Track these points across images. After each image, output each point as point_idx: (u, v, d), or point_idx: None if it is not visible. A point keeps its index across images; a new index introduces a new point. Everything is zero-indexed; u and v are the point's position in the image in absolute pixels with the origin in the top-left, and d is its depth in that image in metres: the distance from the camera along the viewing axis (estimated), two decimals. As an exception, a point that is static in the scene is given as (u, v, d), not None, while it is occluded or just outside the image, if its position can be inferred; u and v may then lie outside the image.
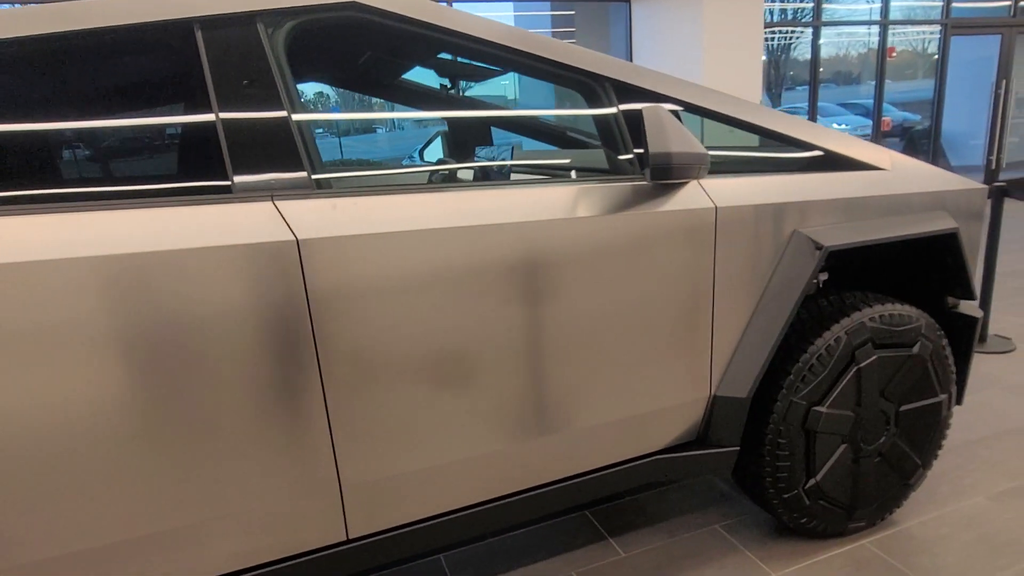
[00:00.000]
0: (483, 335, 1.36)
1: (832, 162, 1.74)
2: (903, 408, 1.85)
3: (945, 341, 1.86)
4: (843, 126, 10.42)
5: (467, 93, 1.73)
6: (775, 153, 1.71)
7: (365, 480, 1.35)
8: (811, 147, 1.72)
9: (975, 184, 1.91)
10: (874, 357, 1.75)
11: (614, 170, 1.55)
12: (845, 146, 1.77)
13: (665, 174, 1.34)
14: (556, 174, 1.76)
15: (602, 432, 1.58)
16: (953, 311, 2.03)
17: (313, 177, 1.26)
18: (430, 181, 1.49)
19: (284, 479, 1.28)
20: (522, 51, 1.44)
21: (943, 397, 1.90)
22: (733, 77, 6.05)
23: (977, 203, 1.91)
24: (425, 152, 2.00)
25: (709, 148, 1.64)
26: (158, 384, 1.13)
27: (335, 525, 1.37)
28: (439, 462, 1.40)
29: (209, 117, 1.20)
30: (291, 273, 1.19)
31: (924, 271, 2.02)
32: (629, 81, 1.53)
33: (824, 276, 1.94)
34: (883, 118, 7.51)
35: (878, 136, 7.39)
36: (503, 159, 1.72)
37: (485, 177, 1.71)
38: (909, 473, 1.93)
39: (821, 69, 6.96)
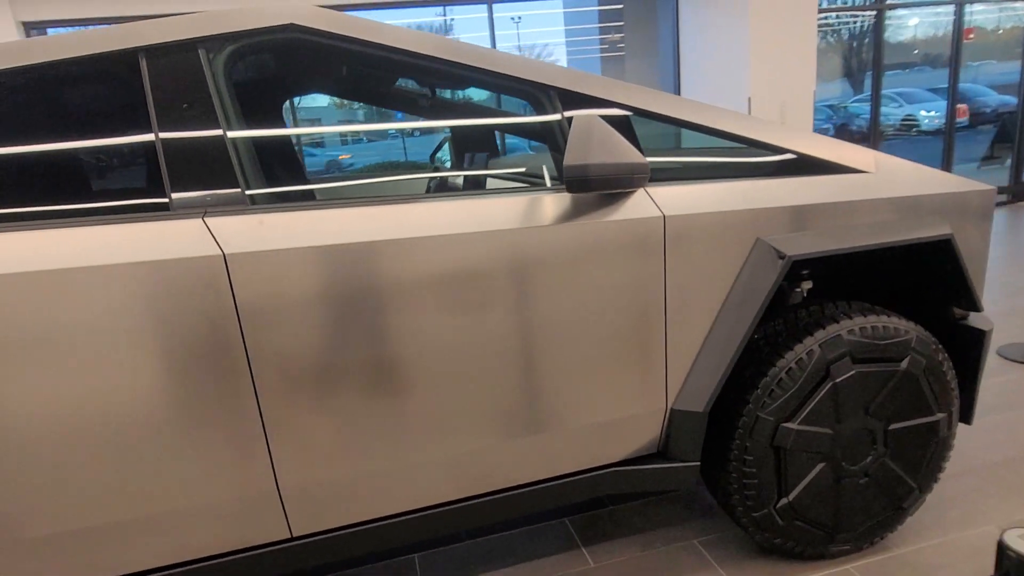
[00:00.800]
0: (412, 346, 1.38)
1: (806, 166, 1.65)
2: (892, 427, 1.73)
3: (943, 356, 1.73)
4: (932, 112, 9.71)
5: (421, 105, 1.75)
6: (742, 158, 1.63)
7: (303, 482, 1.41)
8: (782, 151, 1.64)
9: (980, 185, 1.75)
10: (852, 372, 1.65)
11: (560, 179, 1.53)
12: (821, 149, 1.67)
13: (582, 186, 1.31)
14: (504, 183, 1.76)
15: (551, 443, 1.57)
16: (960, 323, 1.88)
17: (247, 193, 1.33)
18: (375, 193, 1.53)
19: (225, 480, 1.35)
20: (460, 63, 1.45)
21: (941, 416, 1.76)
22: (783, 66, 5.77)
23: (981, 206, 1.75)
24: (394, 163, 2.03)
25: (666, 155, 1.60)
26: (103, 389, 1.23)
27: (277, 524, 1.44)
28: (378, 467, 1.44)
29: (149, 138, 1.29)
30: (220, 286, 1.26)
31: (926, 282, 1.88)
32: (574, 89, 1.51)
33: (808, 285, 1.84)
34: (965, 104, 6.92)
35: (951, 124, 6.84)
36: (453, 168, 1.73)
37: (439, 188, 1.72)
38: (902, 496, 1.81)
39: (915, 51, 6.47)
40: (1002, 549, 1.28)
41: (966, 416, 1.95)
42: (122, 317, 1.21)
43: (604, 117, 1.53)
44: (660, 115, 1.57)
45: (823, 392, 1.65)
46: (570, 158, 1.27)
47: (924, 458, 1.79)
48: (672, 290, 1.54)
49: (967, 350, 1.87)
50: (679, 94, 6.96)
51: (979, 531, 1.91)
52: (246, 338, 1.29)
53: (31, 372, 1.18)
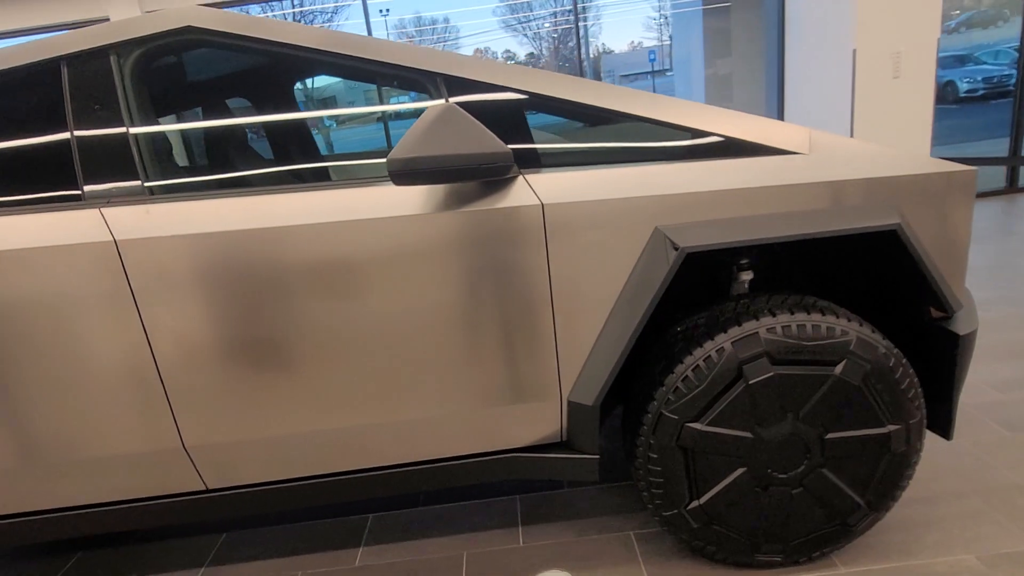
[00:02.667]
0: (288, 326, 1.48)
1: (727, 148, 1.49)
2: (830, 436, 1.57)
3: (897, 362, 1.52)
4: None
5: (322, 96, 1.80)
6: (649, 142, 1.51)
7: (204, 443, 1.58)
8: (700, 133, 1.50)
9: (950, 166, 1.49)
10: (770, 374, 1.51)
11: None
12: (745, 129, 1.50)
13: (406, 179, 1.30)
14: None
15: (444, 424, 1.61)
16: (931, 325, 1.63)
17: (146, 185, 1.48)
18: (264, 183, 1.60)
19: (139, 436, 1.56)
20: (345, 55, 1.48)
21: (893, 429, 1.56)
22: (899, 8, 5.04)
23: (953, 191, 1.49)
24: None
25: (568, 141, 1.54)
26: (20, 359, 1.46)
27: (192, 477, 1.63)
28: (272, 435, 1.58)
29: (66, 136, 1.48)
30: (115, 267, 1.43)
31: (891, 278, 1.64)
32: (458, 74, 1.49)
33: (747, 276, 1.69)
34: None
35: None
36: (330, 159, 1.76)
37: (318, 178, 1.74)
38: (845, 512, 1.64)
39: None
40: None
41: (944, 430, 1.71)
42: (44, 293, 1.43)
43: (492, 103, 1.50)
44: (557, 99, 1.50)
45: (736, 393, 1.53)
46: (396, 151, 1.27)
47: (874, 473, 1.61)
48: (558, 280, 1.49)
49: (941, 356, 1.62)
50: (782, 48, 6.35)
51: (954, 560, 1.68)
52: (142, 314, 1.46)
53: (-27, 336, 1.44)
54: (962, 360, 1.60)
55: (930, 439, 2.21)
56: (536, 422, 1.64)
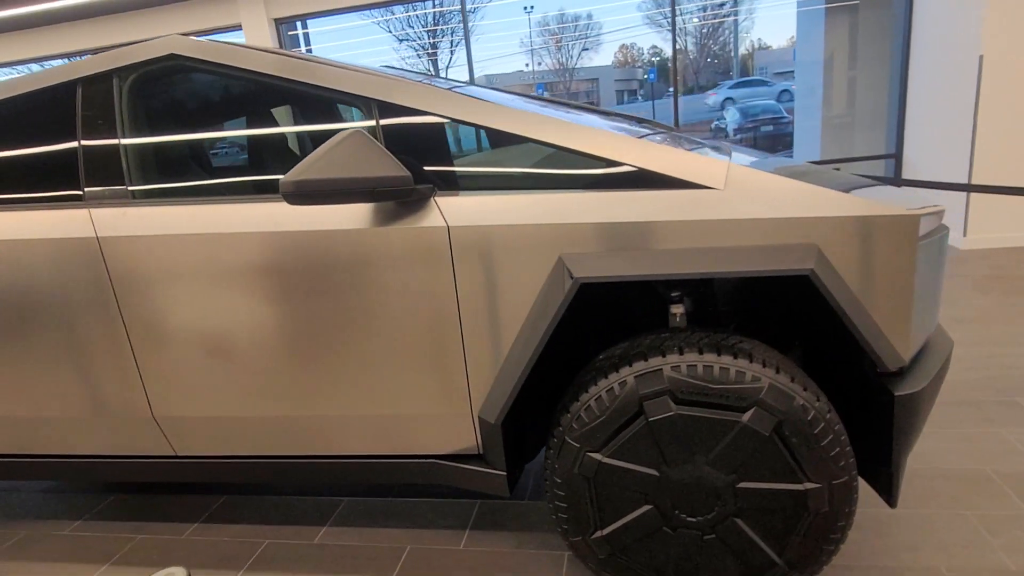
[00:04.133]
0: (232, 320, 1.66)
1: (640, 179, 1.46)
2: (742, 486, 1.49)
3: (815, 416, 1.41)
4: None
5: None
6: (562, 169, 1.51)
7: (170, 414, 1.82)
8: (613, 163, 1.48)
9: (888, 209, 1.34)
10: (671, 413, 1.46)
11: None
12: (658, 161, 1.45)
13: (296, 200, 1.40)
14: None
15: (366, 424, 1.72)
16: (871, 380, 1.49)
17: (129, 189, 1.73)
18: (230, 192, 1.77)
19: (118, 405, 1.83)
20: (289, 79, 1.63)
21: (810, 487, 1.45)
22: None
23: (889, 237, 1.34)
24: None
25: (482, 165, 1.58)
26: (24, 331, 1.77)
27: (160, 442, 1.88)
28: (218, 414, 1.78)
29: (74, 145, 1.76)
30: (97, 259, 1.69)
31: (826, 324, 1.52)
32: (387, 100, 1.58)
33: (678, 310, 1.63)
34: None
35: None
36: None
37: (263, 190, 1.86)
38: (760, 568, 1.54)
39: None
40: None
41: (890, 498, 1.55)
42: (44, 277, 1.73)
43: (414, 126, 1.57)
44: (477, 125, 1.54)
45: (635, 429, 1.50)
46: (288, 174, 1.39)
47: (792, 531, 1.50)
48: (465, 300, 1.55)
49: (880, 414, 1.48)
50: (907, 51, 5.76)
51: (888, 639, 1.53)
52: (119, 299, 1.72)
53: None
54: (902, 422, 1.44)
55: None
56: (452, 433, 1.70)
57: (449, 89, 1.60)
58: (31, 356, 1.83)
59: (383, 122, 1.59)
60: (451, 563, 1.94)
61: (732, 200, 1.40)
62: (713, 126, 17.07)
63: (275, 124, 1.83)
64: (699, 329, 1.58)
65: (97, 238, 1.69)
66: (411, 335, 1.60)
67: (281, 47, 6.87)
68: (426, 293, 1.56)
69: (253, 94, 1.72)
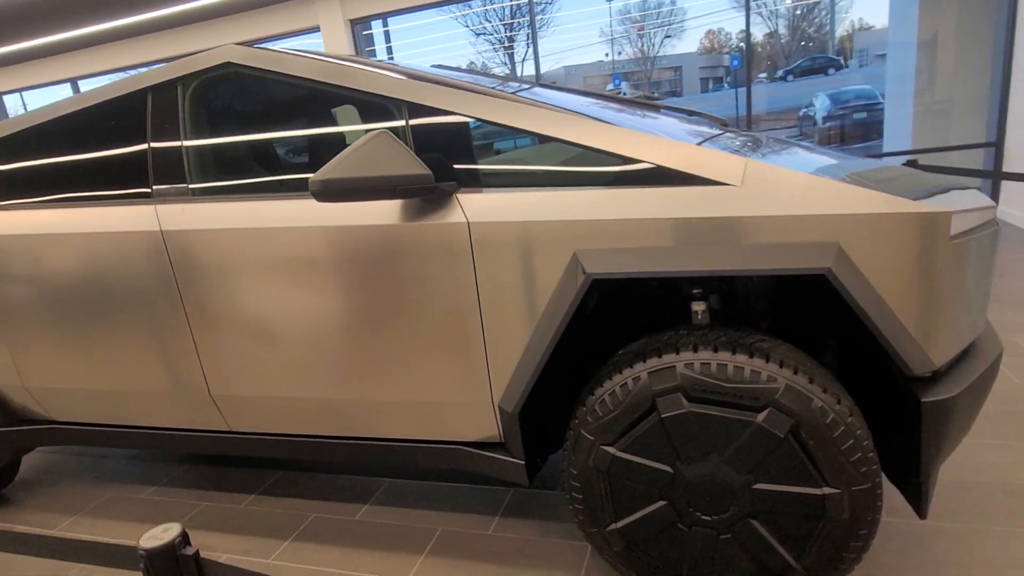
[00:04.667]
0: (276, 308, 1.80)
1: (657, 176, 1.45)
2: (758, 487, 1.47)
3: (833, 419, 1.37)
4: None
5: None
6: (581, 167, 1.52)
7: (224, 392, 1.98)
8: (630, 160, 1.48)
9: (916, 207, 1.28)
10: (684, 410, 1.46)
11: None
12: (675, 158, 1.44)
13: (325, 197, 1.47)
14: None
15: (397, 409, 1.82)
16: (904, 383, 1.42)
17: (190, 187, 1.89)
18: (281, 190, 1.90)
19: (179, 381, 2.01)
20: (331, 83, 1.73)
21: (828, 492, 1.41)
22: None
23: (917, 234, 1.28)
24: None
25: (505, 163, 1.62)
26: (111, 312, 1.98)
27: (216, 418, 2.05)
28: (265, 394, 1.93)
29: (145, 147, 1.94)
30: (161, 250, 1.87)
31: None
32: (417, 101, 1.64)
33: (700, 307, 1.61)
34: None
35: None
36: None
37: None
38: (776, 571, 1.52)
39: None
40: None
41: (921, 510, 1.48)
42: (121, 267, 1.93)
43: (441, 124, 1.64)
44: (499, 124, 1.59)
45: (648, 424, 1.50)
46: (318, 173, 1.47)
47: (810, 536, 1.46)
48: (485, 293, 1.60)
49: (909, 422, 1.41)
50: (1012, 38, 5.30)
51: (914, 655, 1.47)
52: (180, 287, 1.89)
53: (71, 292, 1.99)
54: (931, 429, 1.37)
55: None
56: (475, 421, 1.76)
57: (491, 89, 1.65)
58: (110, 337, 2.04)
59: (412, 122, 1.66)
60: (478, 547, 2.01)
61: (749, 197, 1.37)
62: (801, 114, 16.25)
63: (318, 125, 1.94)
64: (720, 327, 1.56)
65: (161, 232, 1.86)
66: (436, 326, 1.67)
67: (356, 48, 7.15)
68: (449, 286, 1.63)
69: (298, 97, 1.84)
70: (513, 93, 1.71)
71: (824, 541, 1.46)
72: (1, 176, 2.17)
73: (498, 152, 1.70)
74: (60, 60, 8.32)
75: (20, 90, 9.12)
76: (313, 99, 1.84)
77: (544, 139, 1.55)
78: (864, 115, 14.10)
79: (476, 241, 1.57)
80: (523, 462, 1.71)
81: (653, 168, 1.46)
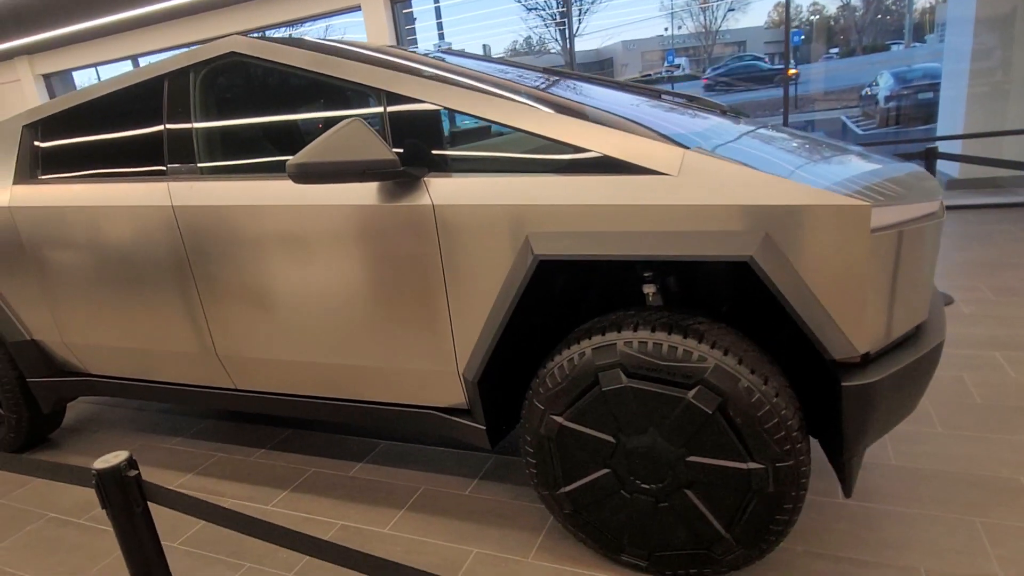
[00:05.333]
0: (266, 278, 1.98)
1: (603, 165, 1.54)
2: (691, 459, 1.56)
3: (759, 398, 1.45)
4: None
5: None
6: (537, 155, 1.62)
7: (228, 354, 2.19)
8: (579, 149, 1.57)
9: (836, 199, 1.33)
10: (623, 385, 1.56)
11: None
12: (619, 147, 1.52)
13: (300, 179, 1.62)
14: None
15: (377, 373, 1.98)
16: (830, 367, 1.48)
17: (199, 166, 2.08)
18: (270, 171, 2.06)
19: (190, 342, 2.23)
20: (316, 72, 1.87)
21: (753, 467, 1.50)
22: None
23: (838, 225, 1.33)
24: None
25: (470, 149, 1.74)
26: (110, 275, 2.21)
27: (223, 376, 2.27)
28: (261, 356, 2.12)
29: (159, 129, 2.14)
30: (173, 224, 2.07)
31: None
32: (394, 90, 1.77)
33: (651, 289, 1.70)
34: None
35: None
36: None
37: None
38: (708, 540, 1.61)
39: None
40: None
41: (846, 489, 1.55)
42: (141, 238, 2.14)
43: (414, 112, 1.76)
44: (465, 113, 1.70)
45: (591, 397, 1.62)
46: (294, 157, 1.62)
47: (738, 508, 1.56)
48: (449, 271, 1.73)
49: (832, 404, 1.48)
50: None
51: (835, 625, 1.55)
52: (189, 257, 2.09)
53: (102, 255, 2.23)
54: (851, 412, 1.44)
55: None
56: (444, 389, 1.91)
57: (465, 80, 1.75)
58: (133, 300, 2.28)
59: (389, 110, 1.79)
60: (454, 505, 2.17)
61: (684, 186, 1.45)
62: (863, 93, 15.55)
63: (312, 110, 2.08)
64: (666, 309, 1.65)
65: (172, 207, 2.06)
66: (408, 300, 1.82)
67: (396, 26, 7.29)
68: (418, 263, 1.76)
69: (293, 84, 1.99)
70: (511, 81, 1.82)
71: (752, 514, 1.55)
72: (42, 153, 2.42)
73: (470, 139, 1.82)
74: (122, 38, 8.78)
75: (88, 66, 9.68)
76: (307, 86, 1.99)
77: (507, 128, 1.66)
78: (930, 95, 13.37)
79: (440, 222, 1.70)
80: (484, 428, 1.85)
81: (600, 157, 1.55)
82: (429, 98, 1.73)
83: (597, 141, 1.55)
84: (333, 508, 2.24)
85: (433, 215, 1.70)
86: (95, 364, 2.58)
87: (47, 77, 10.00)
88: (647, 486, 1.64)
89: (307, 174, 1.62)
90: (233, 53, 2.01)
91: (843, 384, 1.42)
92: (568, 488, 1.74)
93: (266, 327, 2.07)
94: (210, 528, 2.21)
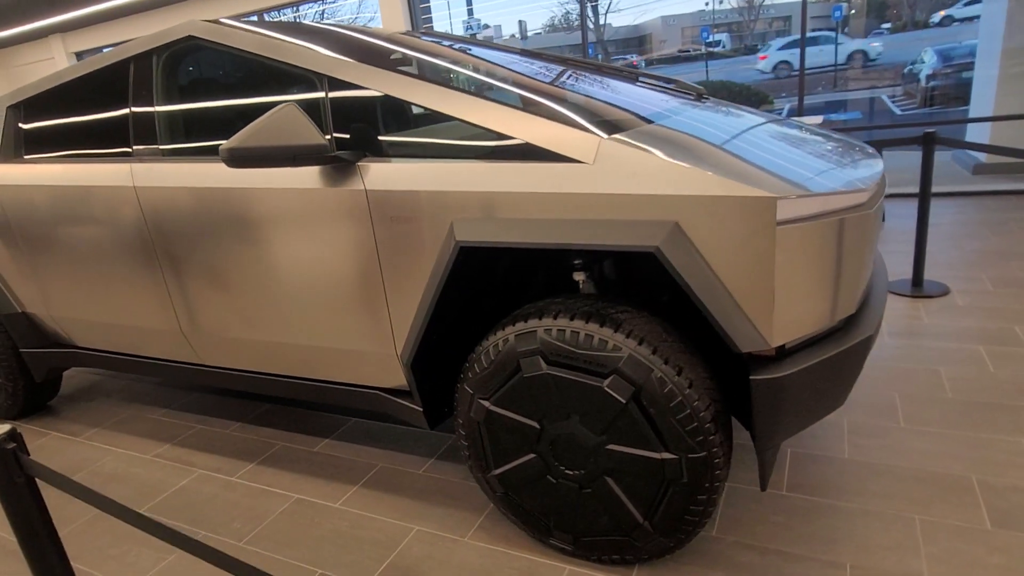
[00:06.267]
0: (212, 259, 2.04)
1: (524, 152, 1.54)
2: (610, 447, 1.58)
3: (671, 389, 1.45)
4: None
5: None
6: (464, 140, 1.62)
7: (191, 331, 2.27)
8: (502, 136, 1.57)
9: (743, 190, 1.30)
10: (543, 372, 1.57)
11: None
12: (539, 135, 1.51)
13: (232, 163, 1.64)
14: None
15: (321, 353, 2.03)
16: (744, 360, 1.47)
17: (160, 148, 2.14)
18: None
19: (156, 318, 2.31)
20: (265, 56, 1.89)
21: (666, 457, 1.50)
22: None
23: (745, 217, 1.31)
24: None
25: (407, 135, 1.75)
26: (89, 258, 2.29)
27: (190, 352, 2.35)
28: (217, 333, 2.19)
29: (126, 111, 2.20)
30: (136, 204, 2.14)
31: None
32: (335, 76, 1.78)
33: (580, 277, 1.70)
34: None
35: None
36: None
37: None
38: (627, 527, 1.63)
39: None
40: None
41: (762, 482, 1.54)
42: (108, 216, 2.22)
43: (352, 98, 1.77)
44: (397, 98, 1.70)
45: (514, 383, 1.63)
46: (227, 141, 1.65)
47: (655, 497, 1.56)
48: (384, 255, 1.76)
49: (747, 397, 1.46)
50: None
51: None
52: (152, 235, 2.16)
53: (87, 230, 2.32)
54: (760, 406, 1.42)
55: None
56: (385, 370, 1.95)
57: (402, 65, 1.76)
58: (106, 277, 2.37)
59: (331, 95, 1.81)
60: (406, 483, 2.23)
61: (598, 175, 1.44)
62: (906, 71, 14.93)
63: (263, 94, 2.11)
64: (597, 298, 1.64)
65: (135, 187, 2.13)
66: (347, 283, 1.85)
67: (411, 5, 7.26)
68: (355, 247, 1.79)
69: (248, 68, 2.03)
70: (466, 66, 1.83)
71: (668, 503, 1.56)
72: (24, 133, 2.51)
73: (407, 125, 1.83)
74: (154, 15, 8.96)
75: (121, 44, 9.93)
76: (258, 70, 2.02)
77: (438, 116, 1.66)
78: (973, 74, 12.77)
79: (373, 207, 1.72)
80: (421, 409, 1.89)
81: (522, 144, 1.54)
82: (366, 83, 1.75)
83: (519, 128, 1.55)
84: (293, 482, 2.32)
85: (366, 199, 1.72)
86: (79, 337, 2.70)
87: (79, 55, 10.27)
88: (571, 472, 1.66)
89: (238, 158, 1.65)
90: (191, 37, 2.05)
91: (751, 377, 1.40)
92: (498, 471, 1.77)
93: (222, 306, 2.13)
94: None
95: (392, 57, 1.90)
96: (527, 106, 1.60)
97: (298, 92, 1.90)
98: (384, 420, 2.69)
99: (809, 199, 1.34)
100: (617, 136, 1.48)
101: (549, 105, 1.60)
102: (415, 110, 1.67)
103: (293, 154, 1.65)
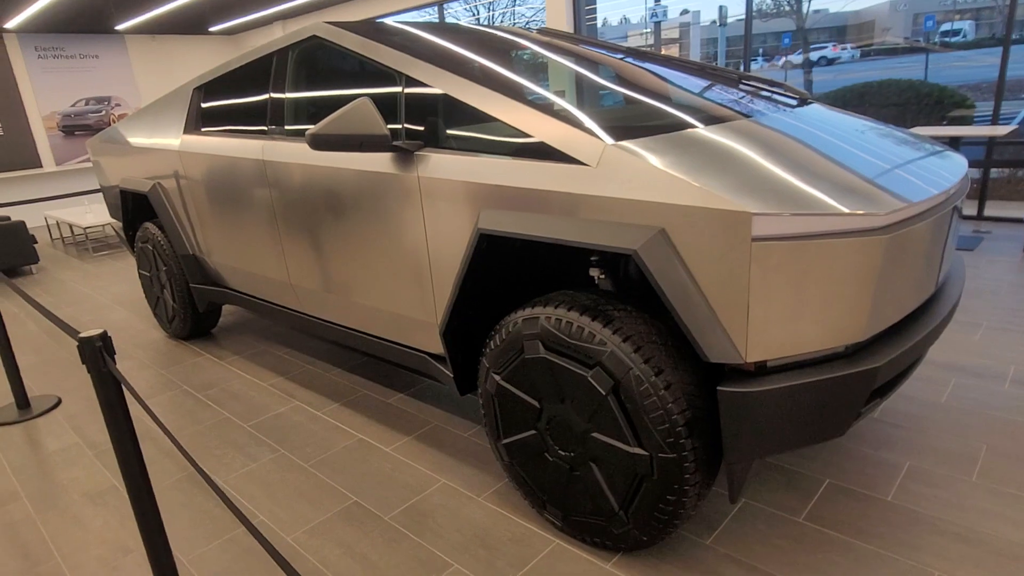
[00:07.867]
0: (316, 226, 2.41)
1: (542, 151, 1.66)
2: (594, 435, 1.68)
3: (646, 388, 1.51)
4: None
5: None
6: (499, 136, 1.77)
7: (295, 283, 2.70)
8: (526, 135, 1.70)
9: (722, 203, 1.31)
10: (540, 355, 1.71)
11: (394, 137, 2.10)
12: (556, 135, 1.62)
13: (316, 147, 1.93)
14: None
15: (381, 315, 2.32)
16: (719, 371, 1.48)
17: (284, 128, 2.57)
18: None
19: (274, 268, 2.78)
20: (363, 55, 2.20)
21: (636, 452, 1.57)
22: None
23: (723, 229, 1.32)
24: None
25: (457, 129, 1.95)
26: (240, 214, 2.80)
27: (294, 299, 2.80)
28: (310, 287, 2.59)
29: (266, 96, 2.66)
30: (264, 174, 2.60)
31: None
32: (408, 74, 2.03)
33: (596, 272, 1.80)
34: None
35: None
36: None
37: None
38: (606, 514, 1.71)
39: None
40: None
41: (732, 493, 1.54)
42: (247, 183, 2.72)
43: (420, 94, 2.01)
44: (453, 96, 1.90)
45: (518, 362, 1.79)
46: (312, 128, 1.96)
47: (630, 489, 1.64)
48: (431, 234, 1.99)
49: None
50: None
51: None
52: (273, 201, 2.61)
53: (215, 197, 2.85)
54: (727, 418, 1.43)
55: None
56: (431, 336, 2.19)
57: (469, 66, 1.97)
58: (246, 232, 2.89)
59: (406, 90, 2.07)
60: (450, 441, 2.47)
61: (599, 178, 1.53)
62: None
63: (365, 87, 2.42)
64: (608, 293, 1.73)
65: (264, 161, 2.59)
66: (403, 256, 2.12)
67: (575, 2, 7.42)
68: (409, 225, 2.05)
69: (353, 65, 2.36)
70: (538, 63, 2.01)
71: (641, 498, 1.62)
72: (201, 111, 3.12)
73: (464, 120, 2.03)
74: (368, 1, 10.08)
75: (393, 14, 11.22)
76: (360, 67, 2.34)
77: (482, 115, 1.84)
78: None
79: (424, 191, 1.95)
80: (452, 374, 2.11)
81: (540, 144, 1.67)
82: (429, 81, 1.98)
83: (538, 128, 1.68)
84: (363, 424, 2.68)
85: (418, 184, 1.96)
86: (227, 279, 3.30)
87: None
88: (563, 453, 1.78)
89: (319, 142, 1.97)
90: (315, 37, 2.43)
91: (718, 388, 1.42)
92: (505, 441, 1.94)
93: (315, 264, 2.52)
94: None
95: (474, 57, 2.10)
96: (549, 107, 1.72)
97: (385, 87, 2.19)
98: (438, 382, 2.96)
99: (791, 219, 1.32)
100: (623, 142, 1.55)
101: (566, 108, 1.71)
102: (472, 107, 1.86)
103: (360, 142, 1.93)
